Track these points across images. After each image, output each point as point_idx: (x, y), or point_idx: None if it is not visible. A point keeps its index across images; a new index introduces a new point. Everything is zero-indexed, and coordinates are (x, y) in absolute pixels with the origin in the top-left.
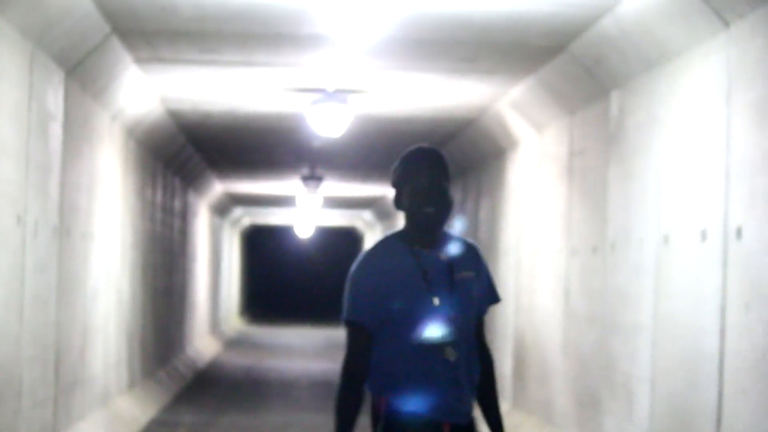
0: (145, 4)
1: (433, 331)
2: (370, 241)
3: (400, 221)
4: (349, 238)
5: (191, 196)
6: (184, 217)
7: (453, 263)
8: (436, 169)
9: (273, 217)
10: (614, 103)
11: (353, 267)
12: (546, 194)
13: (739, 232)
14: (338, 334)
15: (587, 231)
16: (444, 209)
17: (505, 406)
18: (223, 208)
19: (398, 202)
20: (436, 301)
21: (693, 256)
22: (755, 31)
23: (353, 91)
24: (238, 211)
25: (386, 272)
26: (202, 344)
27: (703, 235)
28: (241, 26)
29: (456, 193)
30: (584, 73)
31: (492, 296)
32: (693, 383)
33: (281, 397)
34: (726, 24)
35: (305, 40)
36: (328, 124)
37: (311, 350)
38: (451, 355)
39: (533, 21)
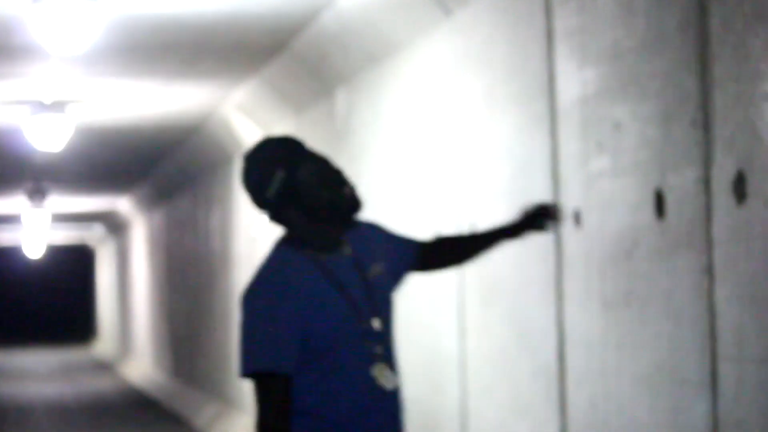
0: None
1: (365, 354)
2: (102, 257)
3: (134, 235)
4: (80, 255)
5: None
6: None
7: (360, 260)
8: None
9: (5, 238)
10: (340, 100)
11: (247, 298)
12: None
13: (473, 228)
14: (72, 356)
15: None
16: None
17: (249, 419)
18: None
19: (277, 206)
20: (360, 314)
21: None
22: (478, 19)
23: (71, 102)
24: None
25: (297, 294)
26: None
27: (437, 233)
28: None
29: (185, 204)
30: (308, 71)
31: (411, 242)
32: (435, 384)
33: (16, 425)
34: (448, 12)
35: (18, 51)
36: (47, 137)
37: (46, 373)
38: (387, 380)
39: (252, 19)
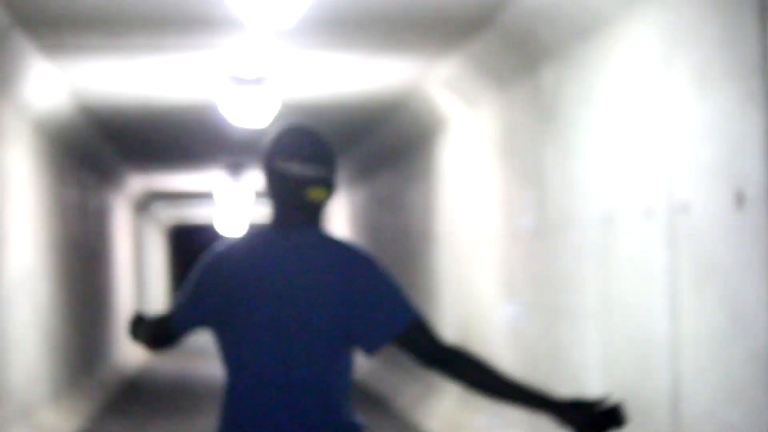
0: None
1: None
2: None
3: (334, 212)
4: None
5: (109, 194)
6: (102, 216)
7: None
8: None
9: (200, 215)
10: (547, 76)
11: (370, 259)
12: (482, 176)
13: (686, 208)
14: None
15: (527, 213)
16: None
17: (450, 403)
18: (145, 205)
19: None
20: None
21: (638, 235)
22: None
23: (272, 76)
24: (160, 209)
25: None
26: (129, 350)
27: (648, 213)
28: (150, 10)
29: (388, 181)
30: (514, 46)
31: None
32: (645, 369)
33: (215, 403)
34: None
35: (218, 24)
36: (247, 112)
37: None
38: None
39: None
